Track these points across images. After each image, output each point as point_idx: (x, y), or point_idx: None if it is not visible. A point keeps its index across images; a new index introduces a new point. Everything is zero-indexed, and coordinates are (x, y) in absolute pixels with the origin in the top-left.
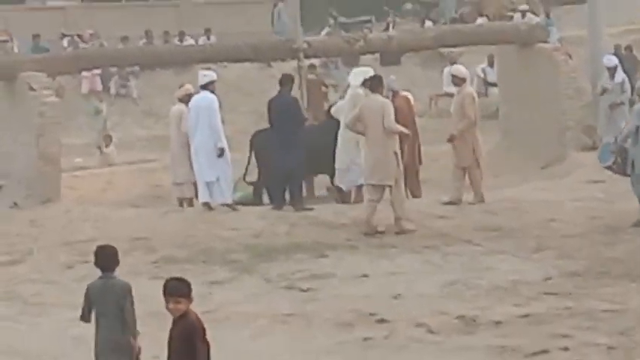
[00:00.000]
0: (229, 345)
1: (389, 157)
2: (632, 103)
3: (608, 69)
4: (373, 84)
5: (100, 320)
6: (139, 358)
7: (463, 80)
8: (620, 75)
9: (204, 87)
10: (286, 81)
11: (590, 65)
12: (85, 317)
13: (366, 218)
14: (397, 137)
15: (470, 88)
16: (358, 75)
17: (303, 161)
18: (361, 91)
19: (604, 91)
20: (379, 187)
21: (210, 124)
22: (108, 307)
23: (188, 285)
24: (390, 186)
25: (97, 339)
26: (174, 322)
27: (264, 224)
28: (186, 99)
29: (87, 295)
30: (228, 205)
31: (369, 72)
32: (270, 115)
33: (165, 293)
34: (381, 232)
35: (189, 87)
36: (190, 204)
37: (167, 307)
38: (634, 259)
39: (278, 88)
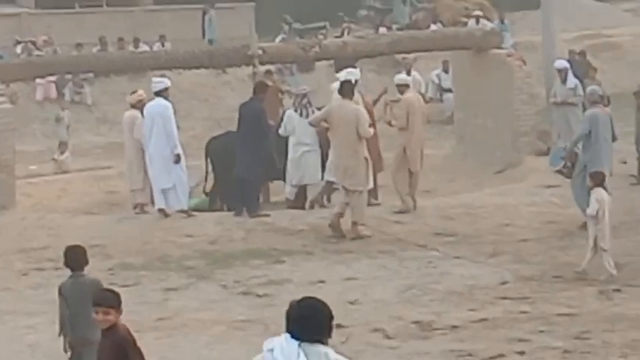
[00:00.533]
0: (186, 352)
1: (360, 163)
2: (585, 108)
3: (559, 71)
4: (345, 90)
5: (72, 317)
6: None
7: (406, 87)
8: (572, 80)
9: (158, 94)
10: (260, 89)
11: (545, 70)
12: (63, 318)
13: (335, 212)
14: (365, 142)
15: (409, 94)
16: (350, 76)
17: (262, 168)
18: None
19: (555, 103)
20: (350, 191)
21: (166, 131)
22: (80, 305)
23: (118, 296)
24: (361, 191)
25: (70, 334)
26: (103, 335)
27: (220, 230)
28: (139, 105)
29: (60, 294)
30: (184, 212)
31: (357, 73)
32: (239, 120)
33: (94, 304)
34: (342, 236)
35: (141, 93)
36: (142, 209)
37: (96, 318)
38: (589, 263)
39: (239, 93)
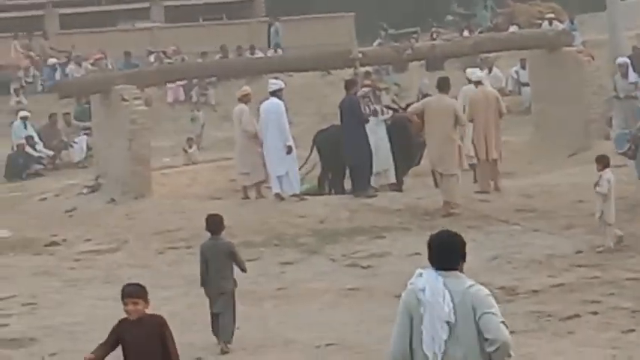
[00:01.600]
0: (302, 317)
1: (454, 150)
2: None
3: (620, 66)
4: (442, 85)
5: (210, 271)
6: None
7: (479, 83)
8: (632, 75)
9: (273, 93)
10: (350, 85)
11: (612, 64)
12: (203, 273)
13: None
14: (458, 131)
15: (474, 91)
16: (475, 73)
17: (368, 154)
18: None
19: (617, 97)
20: (444, 175)
21: (279, 126)
22: (217, 261)
23: (144, 288)
24: (454, 174)
25: (209, 285)
26: (135, 325)
27: (328, 211)
28: (244, 99)
29: (202, 253)
30: (296, 195)
31: (478, 72)
32: (340, 115)
33: (123, 296)
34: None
35: (246, 88)
36: (259, 191)
37: (126, 309)
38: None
39: (342, 92)
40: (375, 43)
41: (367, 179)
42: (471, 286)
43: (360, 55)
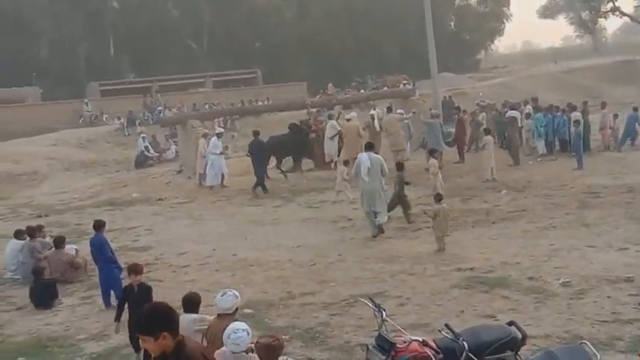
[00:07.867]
0: (285, 233)
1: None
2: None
3: (388, 107)
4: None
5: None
6: None
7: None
8: (400, 111)
9: (219, 135)
10: (256, 134)
11: (433, 106)
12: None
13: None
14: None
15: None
16: (351, 115)
17: (262, 173)
18: (336, 123)
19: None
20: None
21: (215, 146)
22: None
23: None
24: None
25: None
26: None
27: (294, 180)
28: (204, 135)
29: (249, 147)
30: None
31: (354, 114)
32: (250, 149)
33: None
34: None
35: (204, 130)
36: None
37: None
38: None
39: (253, 135)
40: (317, 97)
41: (259, 183)
42: (377, 156)
43: (309, 102)
